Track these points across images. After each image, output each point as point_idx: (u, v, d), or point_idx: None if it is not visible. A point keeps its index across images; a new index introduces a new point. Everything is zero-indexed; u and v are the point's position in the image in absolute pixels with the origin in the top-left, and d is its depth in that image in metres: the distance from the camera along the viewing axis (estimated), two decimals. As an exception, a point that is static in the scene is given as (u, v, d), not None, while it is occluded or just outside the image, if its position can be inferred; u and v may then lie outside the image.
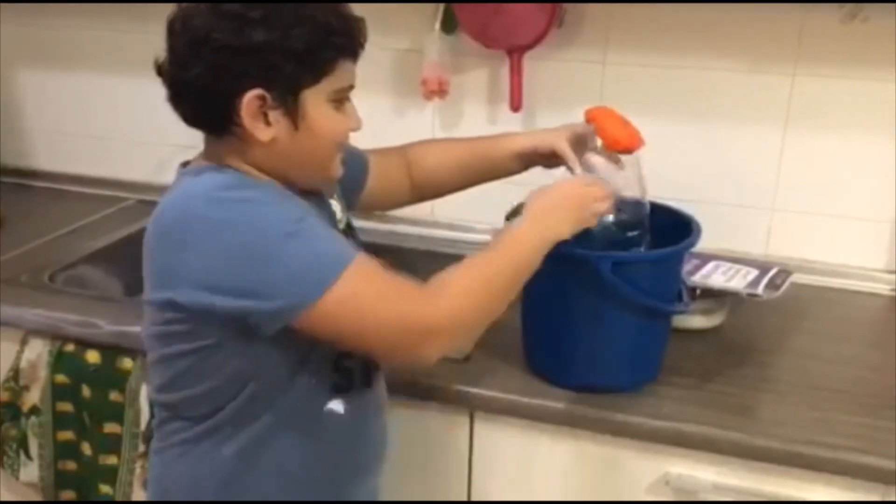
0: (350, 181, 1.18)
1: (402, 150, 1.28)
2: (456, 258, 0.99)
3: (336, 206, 1.11)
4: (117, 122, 1.93)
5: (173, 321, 0.94)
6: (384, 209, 1.32)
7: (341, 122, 0.99)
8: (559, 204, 1.05)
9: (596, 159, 1.16)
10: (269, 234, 0.89)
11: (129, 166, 1.94)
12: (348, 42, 0.95)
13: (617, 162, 1.15)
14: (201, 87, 0.92)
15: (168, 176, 1.86)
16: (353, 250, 0.92)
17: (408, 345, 0.93)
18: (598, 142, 1.17)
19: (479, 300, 0.95)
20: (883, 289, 1.51)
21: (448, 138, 1.31)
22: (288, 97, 0.93)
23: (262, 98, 0.92)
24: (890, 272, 1.51)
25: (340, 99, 0.98)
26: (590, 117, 1.18)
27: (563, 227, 1.03)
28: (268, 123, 0.93)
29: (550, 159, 1.20)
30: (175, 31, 0.93)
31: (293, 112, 0.94)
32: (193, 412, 0.99)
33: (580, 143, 1.18)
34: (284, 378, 0.97)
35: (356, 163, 1.21)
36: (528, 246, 1.00)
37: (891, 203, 1.48)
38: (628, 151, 1.15)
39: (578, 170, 1.16)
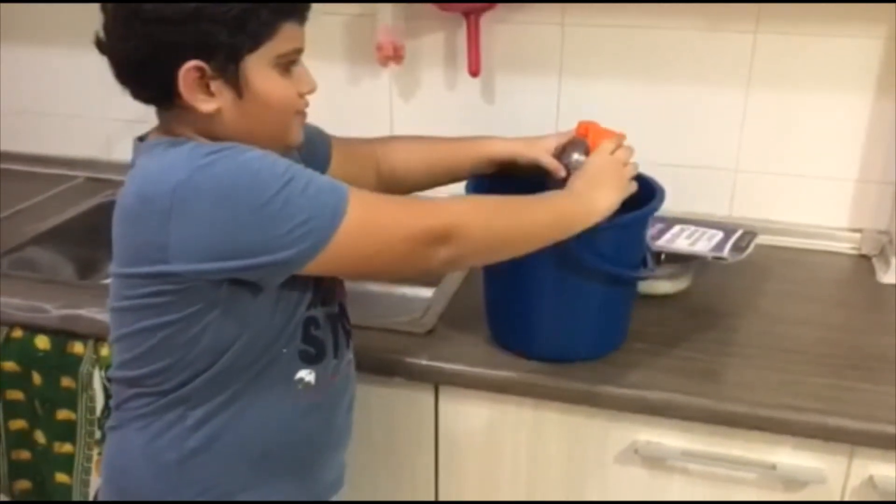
0: (312, 156, 1.16)
1: (370, 144, 1.26)
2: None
3: None
4: (62, 98, 1.86)
5: (159, 293, 0.90)
6: None
7: (289, 87, 0.96)
8: (600, 179, 1.06)
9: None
10: (268, 187, 0.86)
11: (76, 143, 1.88)
12: (286, 4, 0.92)
13: None
14: (137, 61, 0.90)
15: (117, 152, 1.86)
16: (341, 182, 0.91)
17: (416, 253, 0.93)
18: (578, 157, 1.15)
19: (487, 217, 0.98)
20: (846, 247, 1.51)
21: (420, 136, 1.28)
22: (228, 66, 0.90)
23: (199, 69, 0.89)
24: (853, 230, 1.51)
25: (287, 63, 0.95)
26: (584, 132, 1.16)
27: (611, 198, 1.05)
28: (210, 94, 0.91)
29: (528, 169, 1.19)
30: (108, 5, 0.90)
31: (235, 81, 0.91)
32: (159, 386, 0.96)
33: (563, 151, 1.16)
34: (259, 348, 0.95)
35: (320, 144, 1.19)
36: (558, 209, 1.03)
37: (853, 161, 1.47)
38: None
39: (563, 175, 1.14)
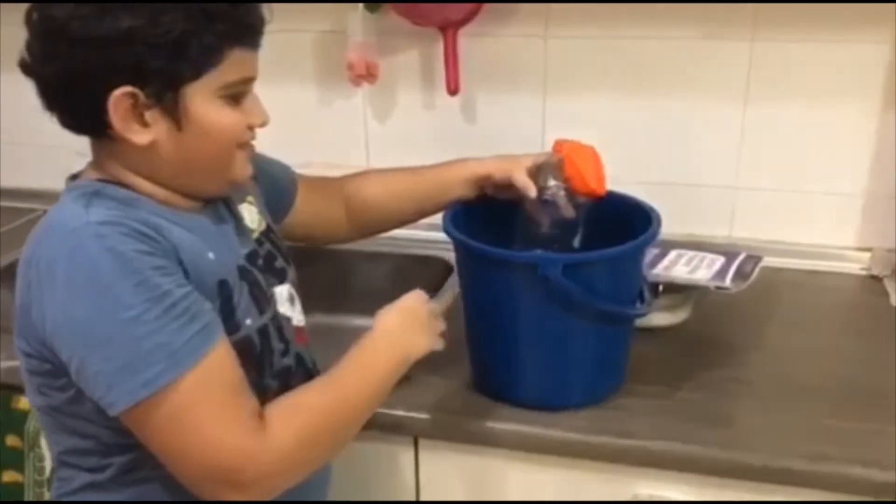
0: (275, 192, 1.09)
1: (339, 182, 1.19)
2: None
3: (251, 211, 1.00)
4: (19, 126, 1.75)
5: (32, 371, 0.85)
6: (316, 243, 1.21)
7: (237, 118, 0.87)
8: (411, 321, 0.95)
9: (559, 193, 1.08)
10: (108, 315, 0.76)
11: (35, 174, 1.77)
12: (234, 28, 0.83)
13: (573, 199, 1.09)
14: (63, 85, 0.82)
15: (77, 183, 1.75)
16: (203, 342, 0.78)
17: (211, 486, 0.80)
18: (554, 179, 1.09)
19: (312, 452, 0.86)
20: (854, 268, 1.43)
21: (390, 168, 1.21)
22: (165, 94, 0.81)
23: (132, 96, 0.80)
24: (862, 250, 1.43)
25: (236, 94, 0.85)
26: (560, 149, 1.10)
27: (420, 343, 0.94)
28: (144, 124, 0.82)
29: (505, 189, 1.11)
30: (33, 21, 0.82)
31: (173, 110, 0.82)
32: (81, 463, 0.88)
33: (539, 173, 1.09)
34: None
35: (285, 181, 1.12)
36: (381, 373, 0.91)
37: (860, 175, 1.40)
38: (594, 196, 1.08)
39: (533, 194, 1.07)
